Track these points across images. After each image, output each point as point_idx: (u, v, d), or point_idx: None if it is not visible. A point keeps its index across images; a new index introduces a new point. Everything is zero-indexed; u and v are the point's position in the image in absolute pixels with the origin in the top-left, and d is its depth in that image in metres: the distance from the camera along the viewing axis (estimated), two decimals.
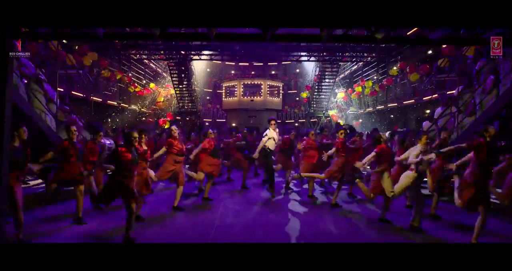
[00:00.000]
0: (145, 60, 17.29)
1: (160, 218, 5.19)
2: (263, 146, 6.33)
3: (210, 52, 15.50)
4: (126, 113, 14.96)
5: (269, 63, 26.23)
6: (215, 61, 25.04)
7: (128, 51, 14.62)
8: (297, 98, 24.14)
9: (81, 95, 10.67)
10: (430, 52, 12.72)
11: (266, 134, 6.33)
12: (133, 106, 15.54)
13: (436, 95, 10.50)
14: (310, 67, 21.49)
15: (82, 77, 10.20)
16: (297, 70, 25.54)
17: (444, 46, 11.46)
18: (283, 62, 26.24)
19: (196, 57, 15.53)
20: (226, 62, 25.73)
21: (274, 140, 6.36)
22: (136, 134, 3.87)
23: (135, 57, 15.86)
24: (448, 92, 9.89)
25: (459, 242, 3.75)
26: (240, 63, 26.03)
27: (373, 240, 4.24)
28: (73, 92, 10.36)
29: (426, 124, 7.10)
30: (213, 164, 6.28)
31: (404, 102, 12.65)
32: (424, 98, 11.25)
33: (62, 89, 9.73)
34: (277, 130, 6.44)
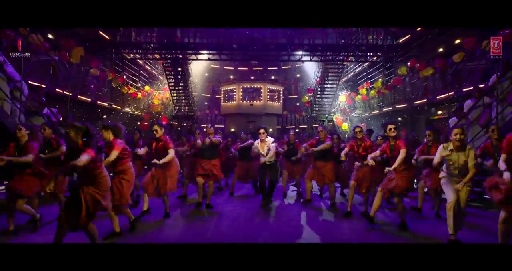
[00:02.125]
0: (139, 61, 16.54)
1: (142, 230, 4.28)
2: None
3: (207, 52, 14.73)
4: (121, 114, 14.08)
5: (269, 68, 25.62)
6: (214, 66, 24.45)
7: (120, 50, 13.87)
8: (298, 104, 23.41)
9: (61, 91, 9.74)
10: (441, 49, 12.05)
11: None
12: (126, 109, 14.69)
13: (452, 93, 9.70)
14: (311, 71, 20.81)
15: (57, 65, 9.21)
16: (298, 75, 24.90)
17: (457, 42, 10.82)
18: (283, 67, 25.66)
19: (193, 56, 14.79)
20: (225, 67, 25.11)
21: (260, 151, 5.57)
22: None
23: (129, 57, 15.10)
24: (465, 90, 9.12)
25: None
26: (239, 68, 25.42)
27: None
28: (57, 90, 9.52)
29: (453, 120, 6.24)
30: (206, 166, 5.45)
31: (414, 103, 11.85)
32: (438, 97, 10.46)
33: (44, 86, 8.90)
34: (268, 140, 5.54)
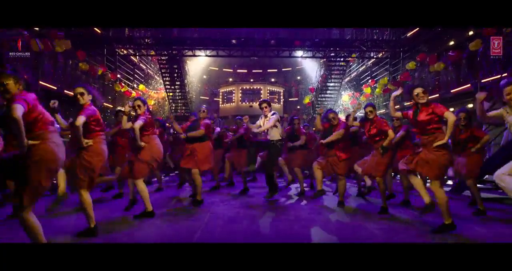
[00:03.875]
0: (133, 59, 15.86)
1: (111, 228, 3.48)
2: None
3: (204, 47, 14.06)
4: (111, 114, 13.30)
5: (268, 70, 25.04)
6: (212, 68, 23.86)
7: (112, 45, 13.19)
8: (298, 107, 22.72)
9: (49, 86, 9.02)
10: (452, 42, 11.41)
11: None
12: (119, 108, 13.91)
13: (469, 85, 8.98)
14: (312, 73, 20.23)
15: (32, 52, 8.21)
16: (298, 77, 24.29)
17: (470, 33, 10.18)
18: (283, 69, 25.08)
19: (190, 53, 14.12)
20: (224, 69, 24.53)
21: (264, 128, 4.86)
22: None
23: (122, 53, 14.41)
24: (483, 80, 8.39)
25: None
26: (238, 70, 24.83)
27: None
28: (41, 82, 8.78)
29: (485, 105, 5.50)
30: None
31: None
32: (452, 91, 9.74)
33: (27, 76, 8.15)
34: (270, 115, 4.80)
